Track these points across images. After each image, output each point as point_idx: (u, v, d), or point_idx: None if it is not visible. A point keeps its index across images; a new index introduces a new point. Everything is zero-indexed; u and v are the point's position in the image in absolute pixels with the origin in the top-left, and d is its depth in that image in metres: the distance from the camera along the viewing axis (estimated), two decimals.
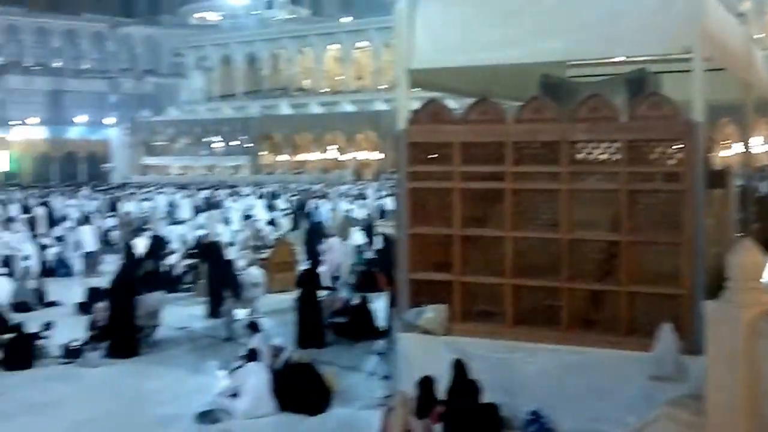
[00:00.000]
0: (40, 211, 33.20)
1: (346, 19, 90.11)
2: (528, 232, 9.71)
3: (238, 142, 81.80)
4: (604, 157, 9.44)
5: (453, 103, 11.71)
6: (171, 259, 21.52)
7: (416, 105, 10.51)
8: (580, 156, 9.52)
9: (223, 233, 26.92)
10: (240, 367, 11.29)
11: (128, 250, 21.29)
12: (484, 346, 9.61)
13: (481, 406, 8.99)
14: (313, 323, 14.45)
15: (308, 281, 15.13)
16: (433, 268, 10.25)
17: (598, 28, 9.48)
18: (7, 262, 20.21)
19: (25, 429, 10.48)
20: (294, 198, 42.72)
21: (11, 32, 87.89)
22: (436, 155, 10.22)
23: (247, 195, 43.99)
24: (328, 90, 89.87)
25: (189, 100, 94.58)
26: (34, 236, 24.12)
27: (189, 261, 20.58)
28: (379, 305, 15.28)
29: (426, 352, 9.72)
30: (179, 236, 26.18)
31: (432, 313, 9.93)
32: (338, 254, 20.73)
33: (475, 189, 9.97)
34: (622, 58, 11.73)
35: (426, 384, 8.93)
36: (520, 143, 9.67)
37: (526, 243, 9.73)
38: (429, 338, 9.88)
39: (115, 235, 28.06)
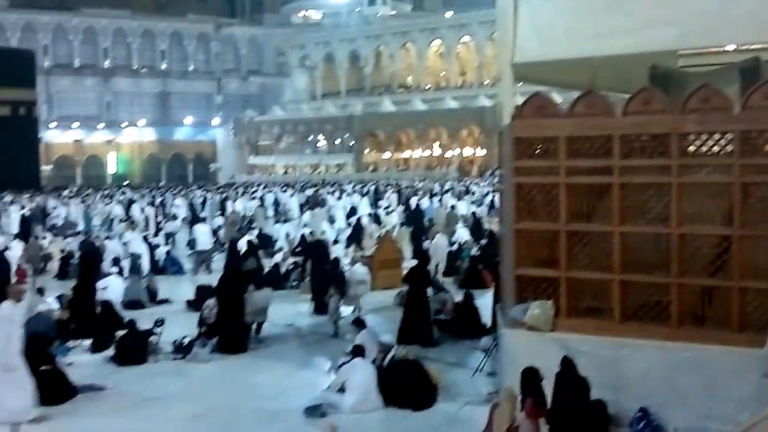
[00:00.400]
0: (150, 211, 34.62)
1: (449, 14, 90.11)
2: (636, 226, 9.66)
3: (342, 140, 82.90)
4: (716, 149, 9.31)
5: (558, 97, 11.69)
6: (277, 257, 22.16)
7: (521, 99, 10.58)
8: (690, 148, 9.43)
9: (327, 231, 27.52)
10: (346, 363, 11.60)
11: (232, 248, 22.00)
12: (590, 342, 9.64)
13: (589, 403, 9.04)
14: (421, 320, 14.67)
15: (417, 278, 15.32)
16: (539, 264, 10.31)
17: (711, 16, 9.39)
18: (118, 261, 21.15)
19: (139, 422, 10.93)
20: (398, 195, 43.09)
21: (119, 36, 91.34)
22: (542, 150, 10.27)
23: (351, 193, 44.63)
24: (431, 86, 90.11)
25: (292, 99, 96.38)
26: (146, 236, 25.15)
27: (295, 259, 21.14)
28: (484, 302, 15.41)
29: (531, 348, 9.81)
30: (285, 234, 26.88)
31: (538, 310, 10.01)
32: (443, 251, 20.92)
33: (581, 183, 9.98)
34: (735, 47, 11.49)
35: (529, 375, 8.99)
36: (629, 136, 9.62)
37: (634, 238, 9.69)
38: (535, 335, 9.97)
39: (222, 234, 28.99)
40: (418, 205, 34.23)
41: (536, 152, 10.31)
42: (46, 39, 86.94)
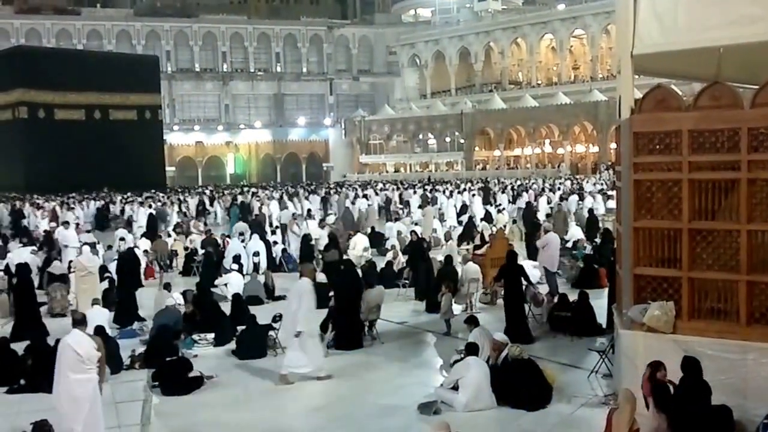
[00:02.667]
0: (273, 209, 35.17)
1: (561, 7, 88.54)
2: (765, 224, 9.15)
3: (452, 138, 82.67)
4: None
5: (678, 89, 11.18)
6: (389, 255, 22.18)
7: (638, 93, 10.19)
8: None
9: (438, 229, 27.42)
10: (460, 360, 11.49)
11: (335, 244, 22.00)
12: (713, 345, 9.21)
13: (713, 408, 8.64)
14: (517, 316, 14.48)
15: (510, 275, 15.00)
16: (659, 264, 9.91)
17: None
18: (239, 258, 21.61)
19: (259, 413, 11.14)
20: (509, 193, 42.64)
21: (236, 40, 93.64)
22: (662, 145, 9.85)
23: (462, 191, 44.40)
24: (542, 82, 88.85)
25: (403, 97, 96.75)
26: (263, 234, 25.57)
27: (407, 257, 21.12)
28: (599, 302, 15.01)
29: (650, 350, 9.44)
30: (396, 233, 26.91)
31: (658, 311, 9.63)
32: (556, 249, 20.47)
33: (705, 179, 9.52)
34: None
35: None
36: (757, 129, 9.08)
37: (762, 237, 9.19)
38: (654, 336, 9.59)
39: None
40: (529, 203, 33.76)
41: (656, 147, 9.90)
42: (169, 45, 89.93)
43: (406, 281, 19.63)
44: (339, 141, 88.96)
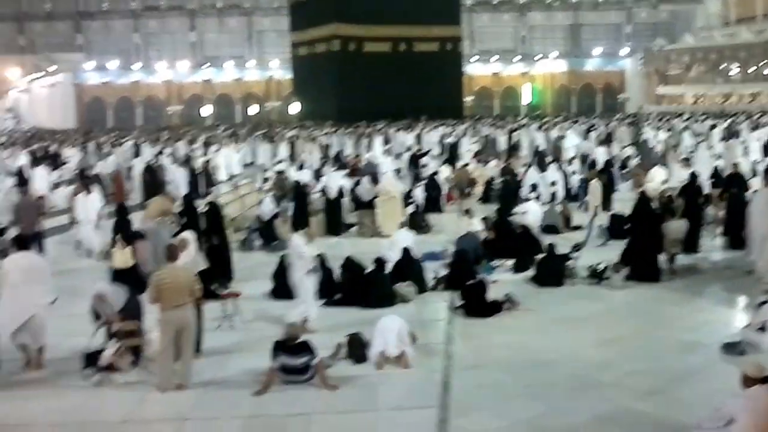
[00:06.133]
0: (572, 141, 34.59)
1: None
2: None
3: (757, 69, 75.89)
4: None
5: None
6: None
7: None
8: None
9: (742, 163, 25.53)
10: (766, 302, 10.79)
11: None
12: None
13: None
14: None
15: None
16: None
17: None
18: (536, 187, 21.65)
19: (553, 341, 11.19)
20: None
21: None
22: None
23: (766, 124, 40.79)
24: None
25: (704, 25, 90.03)
26: (560, 164, 25.34)
27: (714, 191, 19.93)
28: None
29: None
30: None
31: None
32: None
33: None
34: None
35: None
36: None
37: None
38: None
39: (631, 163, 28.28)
40: None
41: None
42: None
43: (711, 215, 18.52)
44: (636, 72, 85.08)
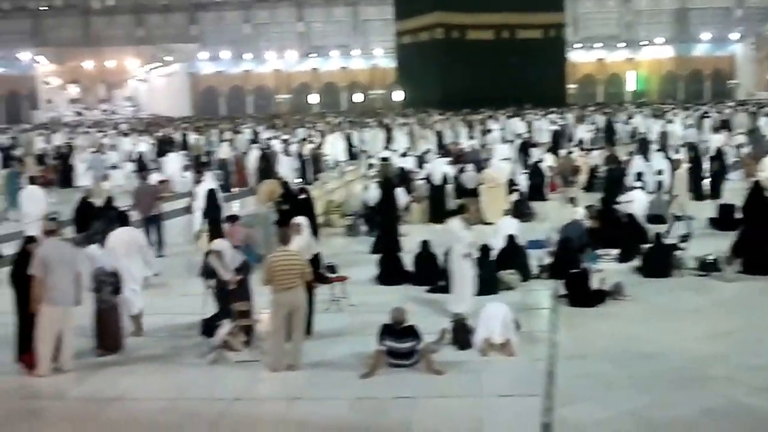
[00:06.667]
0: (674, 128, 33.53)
1: None
2: None
3: None
4: None
5: None
6: None
7: None
8: None
9: None
10: None
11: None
12: None
13: None
14: None
15: None
16: None
17: None
18: (642, 176, 21.06)
19: (663, 332, 10.86)
20: None
21: None
22: None
23: None
24: None
25: None
26: (666, 152, 24.57)
27: None
28: None
29: None
30: None
31: None
32: None
33: None
34: None
35: None
36: None
37: None
38: None
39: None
40: None
41: None
42: None
43: None
44: (746, 57, 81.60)
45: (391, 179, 18.95)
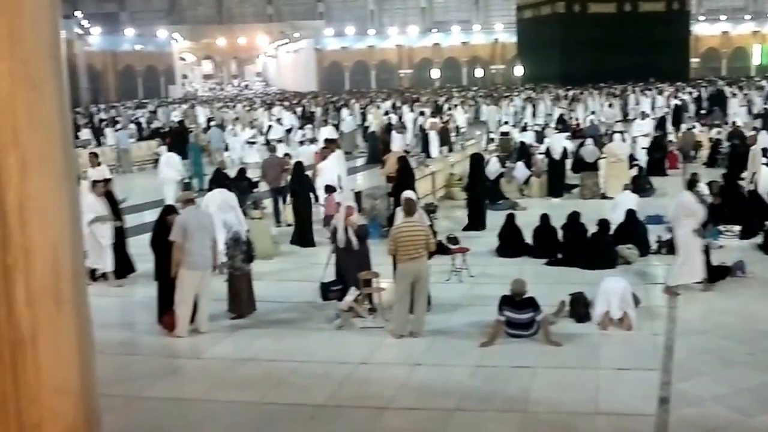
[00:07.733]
0: None
1: None
2: None
3: None
4: None
5: None
6: None
7: None
8: None
9: None
10: None
11: None
12: None
13: None
14: None
15: None
16: None
17: None
18: (766, 152, 19.99)
19: None
20: None
21: None
22: None
23: None
24: None
25: None
26: None
27: None
28: None
29: None
30: None
31: None
32: None
33: None
34: None
35: None
36: None
37: None
38: None
39: None
40: None
41: None
42: None
43: None
44: None
45: (481, 156, 18.57)
